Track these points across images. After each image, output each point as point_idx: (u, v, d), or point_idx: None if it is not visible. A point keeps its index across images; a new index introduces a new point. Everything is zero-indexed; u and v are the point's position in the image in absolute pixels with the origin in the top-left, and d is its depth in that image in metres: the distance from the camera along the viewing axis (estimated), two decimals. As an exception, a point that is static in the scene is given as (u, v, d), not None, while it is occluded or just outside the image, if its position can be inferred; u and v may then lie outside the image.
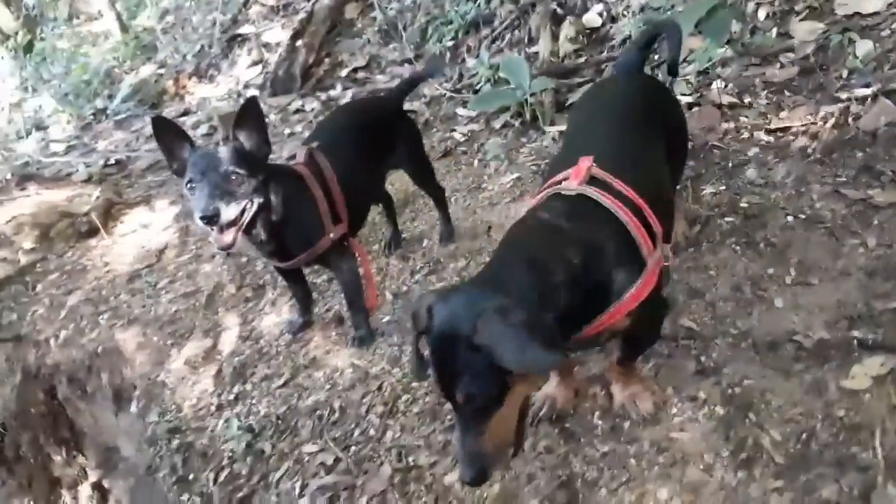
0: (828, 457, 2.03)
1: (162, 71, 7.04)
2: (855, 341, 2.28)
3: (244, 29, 6.74)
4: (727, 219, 2.89)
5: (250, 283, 3.55)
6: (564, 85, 4.26)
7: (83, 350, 3.56)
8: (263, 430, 2.78)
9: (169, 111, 6.49)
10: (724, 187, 3.05)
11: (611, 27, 4.61)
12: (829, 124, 3.17)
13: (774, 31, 3.79)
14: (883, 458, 1.97)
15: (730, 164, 3.16)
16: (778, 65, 3.65)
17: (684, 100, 3.63)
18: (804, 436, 2.09)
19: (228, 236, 2.38)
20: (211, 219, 2.28)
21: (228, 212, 2.33)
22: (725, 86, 3.63)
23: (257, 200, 2.46)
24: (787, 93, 3.49)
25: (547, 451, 2.28)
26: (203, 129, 5.81)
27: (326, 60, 6.10)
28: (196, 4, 7.53)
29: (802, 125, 3.25)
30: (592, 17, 4.73)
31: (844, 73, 3.43)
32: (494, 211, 3.49)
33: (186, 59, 6.95)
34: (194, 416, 2.98)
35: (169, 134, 2.48)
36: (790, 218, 2.80)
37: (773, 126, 3.32)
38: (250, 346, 3.18)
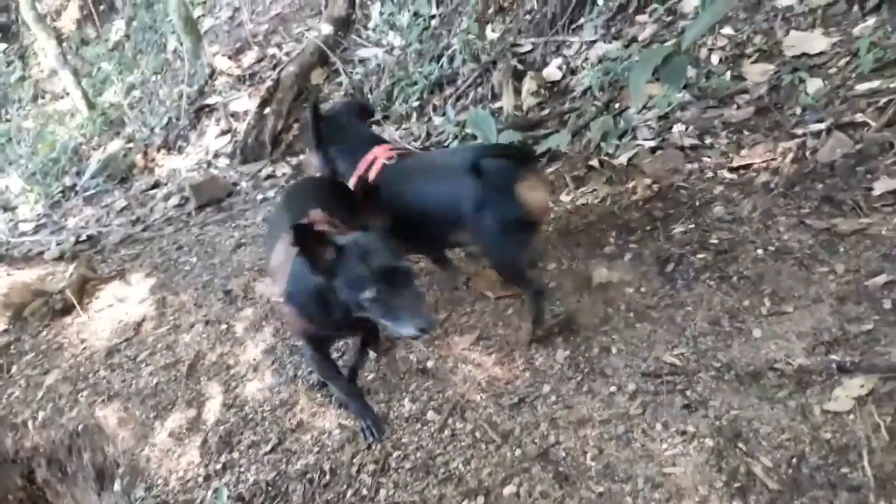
0: (819, 479, 2.07)
1: (130, 145, 7.07)
2: (834, 365, 2.34)
3: (211, 100, 6.83)
4: (699, 255, 2.96)
5: (231, 351, 3.52)
6: (530, 137, 4.36)
7: (62, 430, 3.47)
8: (254, 497, 2.73)
9: (139, 184, 6.51)
10: (692, 225, 3.13)
11: (571, 79, 4.76)
12: (788, 159, 3.29)
13: (728, 74, 3.95)
14: (873, 476, 2.01)
15: (697, 203, 3.25)
16: (735, 106, 3.79)
17: (647, 144, 3.74)
18: (794, 460, 2.13)
19: None
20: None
21: None
22: (686, 128, 3.74)
23: None
24: (745, 132, 3.61)
25: (542, 497, 2.28)
26: (174, 199, 5.82)
27: (295, 126, 6.18)
28: (162, 78, 7.62)
29: (763, 161, 3.36)
30: (552, 71, 4.87)
31: (798, 110, 3.57)
32: (473, 259, 3.54)
33: (154, 132, 7.00)
34: (182, 488, 2.92)
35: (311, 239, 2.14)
36: (760, 251, 2.88)
37: (735, 164, 3.42)
38: (235, 414, 3.14)
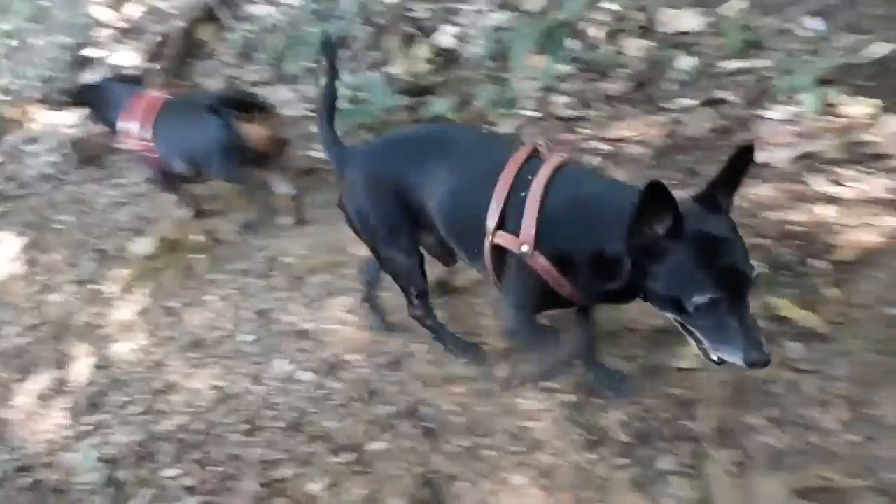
0: (666, 432, 2.22)
1: (5, 97, 6.64)
2: (686, 325, 2.49)
3: (93, 52, 6.48)
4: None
5: (102, 311, 3.40)
6: (420, 102, 4.37)
7: (-83, 394, 3.29)
8: (123, 458, 2.68)
9: (14, 139, 6.13)
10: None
11: (462, 47, 4.78)
12: (658, 132, 3.45)
13: (609, 48, 4.07)
14: (712, 428, 2.17)
15: (573, 172, 3.36)
16: (613, 80, 3.92)
17: (530, 114, 3.83)
18: (644, 414, 2.27)
19: None
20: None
21: None
22: (567, 100, 3.85)
23: None
24: (622, 105, 3.76)
25: (410, 451, 2.34)
26: (51, 156, 5.53)
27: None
28: (39, 27, 7.17)
29: (636, 134, 3.51)
30: (444, 38, 4.89)
31: (672, 86, 3.74)
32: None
33: (31, 85, 6.59)
34: (47, 451, 2.83)
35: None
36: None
37: (611, 136, 3.56)
38: (105, 375, 3.06)
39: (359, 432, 2.47)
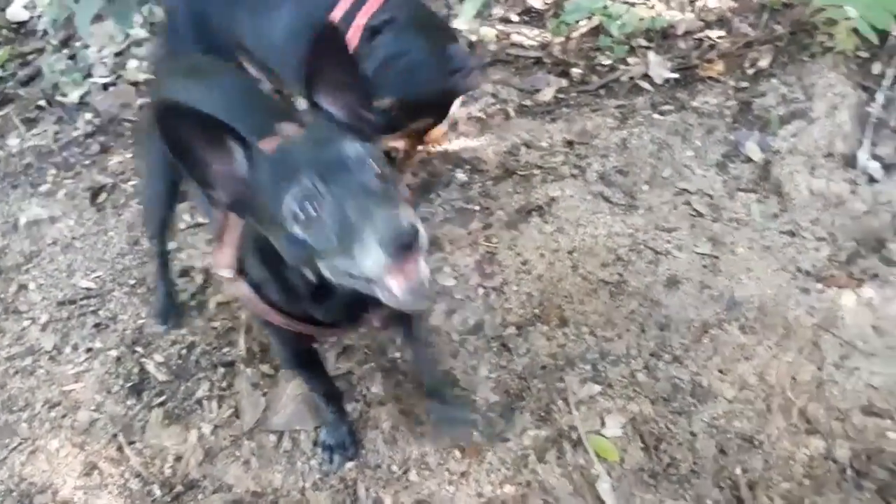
0: (203, 363, 2.28)
1: None
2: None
3: None
4: (131, 182, 3.01)
5: None
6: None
7: None
8: None
9: None
10: (129, 155, 3.16)
11: (37, 17, 4.43)
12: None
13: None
14: (246, 349, 2.26)
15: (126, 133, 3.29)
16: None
17: (101, 81, 3.67)
18: (184, 352, 2.31)
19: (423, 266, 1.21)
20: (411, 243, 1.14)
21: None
22: (141, 63, 3.75)
23: None
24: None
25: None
26: None
27: None
28: None
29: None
30: (17, 11, 4.49)
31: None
32: None
33: None
34: None
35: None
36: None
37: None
38: None
39: None
